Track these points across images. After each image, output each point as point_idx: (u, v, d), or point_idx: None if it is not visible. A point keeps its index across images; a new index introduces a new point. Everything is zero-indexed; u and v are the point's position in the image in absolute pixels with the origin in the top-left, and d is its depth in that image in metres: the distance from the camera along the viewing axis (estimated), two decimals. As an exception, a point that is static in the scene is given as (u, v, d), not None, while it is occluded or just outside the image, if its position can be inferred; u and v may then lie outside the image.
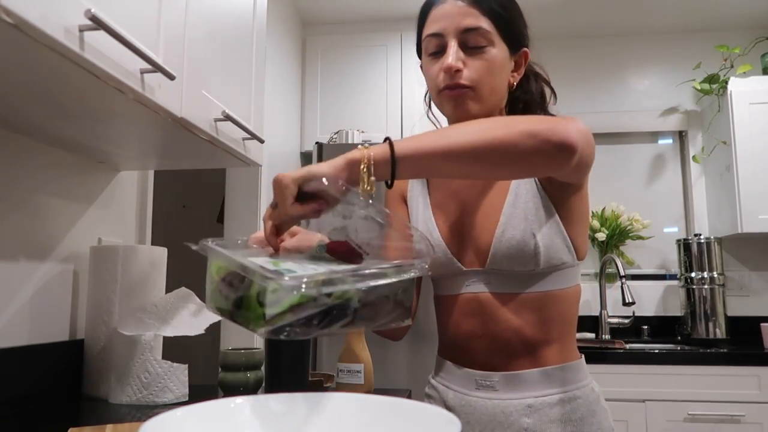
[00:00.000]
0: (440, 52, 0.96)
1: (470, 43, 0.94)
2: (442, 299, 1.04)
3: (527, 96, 1.05)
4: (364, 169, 0.70)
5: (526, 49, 1.01)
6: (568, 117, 0.82)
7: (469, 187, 1.02)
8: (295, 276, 0.56)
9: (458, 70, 0.93)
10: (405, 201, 1.12)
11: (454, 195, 1.03)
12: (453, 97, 0.95)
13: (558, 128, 0.77)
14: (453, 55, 0.94)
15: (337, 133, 2.79)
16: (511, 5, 0.99)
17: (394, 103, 2.95)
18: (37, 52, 0.73)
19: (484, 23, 0.94)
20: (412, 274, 0.67)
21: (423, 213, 1.06)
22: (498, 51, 0.96)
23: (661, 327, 2.99)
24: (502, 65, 0.97)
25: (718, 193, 2.96)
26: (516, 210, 0.94)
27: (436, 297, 1.06)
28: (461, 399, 0.97)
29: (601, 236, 3.00)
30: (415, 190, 1.10)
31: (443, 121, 1.08)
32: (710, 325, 2.74)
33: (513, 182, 0.97)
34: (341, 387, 1.20)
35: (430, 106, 1.09)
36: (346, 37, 3.05)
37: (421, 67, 1.05)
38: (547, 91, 1.07)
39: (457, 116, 0.97)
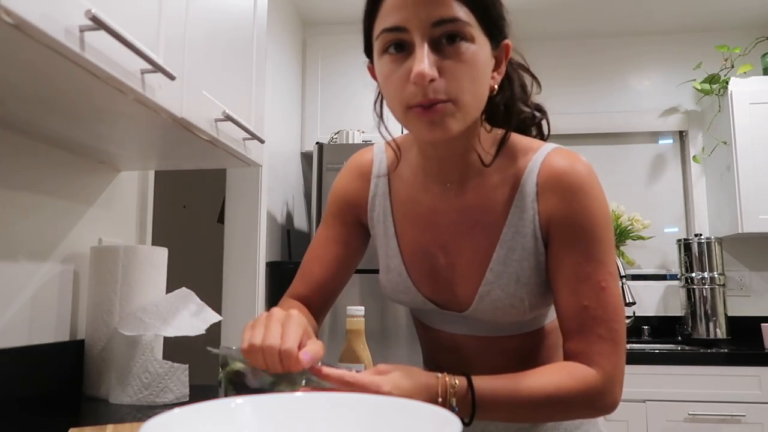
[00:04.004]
0: (403, 52, 0.73)
1: (445, 41, 0.71)
2: (418, 321, 0.98)
3: (508, 94, 0.83)
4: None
5: (508, 41, 0.79)
6: (617, 372, 0.78)
7: (448, 224, 0.86)
8: None
9: (432, 80, 0.70)
10: (356, 218, 0.96)
11: (425, 227, 0.88)
12: (429, 120, 0.72)
13: (614, 399, 0.78)
14: (426, 58, 0.69)
15: (337, 133, 2.80)
16: None
17: (395, 103, 2.95)
18: (37, 52, 0.73)
19: (462, 12, 0.71)
20: None
21: (386, 243, 0.91)
22: (479, 48, 0.73)
23: (662, 327, 2.99)
24: (485, 67, 0.75)
25: (719, 193, 2.96)
26: (507, 268, 0.81)
27: (413, 314, 0.99)
28: None
29: (602, 236, 3.00)
30: (377, 209, 0.93)
31: (396, 131, 0.89)
32: (711, 325, 2.74)
33: (506, 230, 0.82)
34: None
35: (381, 117, 0.86)
36: (346, 37, 3.05)
37: (370, 69, 0.83)
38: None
39: (432, 140, 0.75)
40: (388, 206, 0.91)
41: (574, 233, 0.79)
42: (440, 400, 0.71)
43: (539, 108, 0.89)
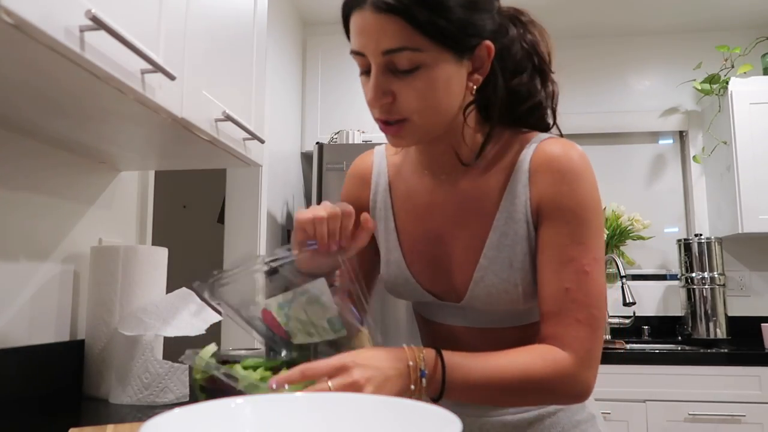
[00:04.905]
0: (369, 71, 0.78)
1: (398, 66, 0.75)
2: (418, 315, 0.99)
3: (491, 89, 0.83)
4: (414, 388, 0.71)
5: (487, 42, 0.79)
6: (591, 358, 0.78)
7: (444, 214, 0.88)
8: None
9: (385, 103, 0.77)
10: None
11: (423, 219, 0.90)
12: (389, 134, 0.81)
13: (586, 385, 0.78)
14: (373, 88, 0.76)
15: (337, 133, 2.80)
16: None
17: (395, 103, 2.95)
18: (37, 52, 0.73)
19: (409, 39, 0.73)
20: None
21: (386, 237, 0.94)
22: (436, 67, 0.75)
23: (662, 327, 2.99)
24: (447, 80, 0.77)
25: (719, 193, 2.96)
26: (500, 254, 0.83)
27: (413, 308, 1.00)
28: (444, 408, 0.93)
29: (602, 236, 3.00)
30: (378, 206, 0.96)
31: None
32: (711, 325, 2.74)
33: (499, 215, 0.83)
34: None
35: None
36: (346, 37, 3.05)
37: None
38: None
39: (397, 147, 0.89)
40: (388, 202, 0.94)
41: (561, 215, 0.79)
42: (411, 363, 0.71)
43: (554, 99, 0.89)
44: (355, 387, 0.65)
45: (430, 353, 0.74)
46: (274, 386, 0.66)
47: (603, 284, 0.80)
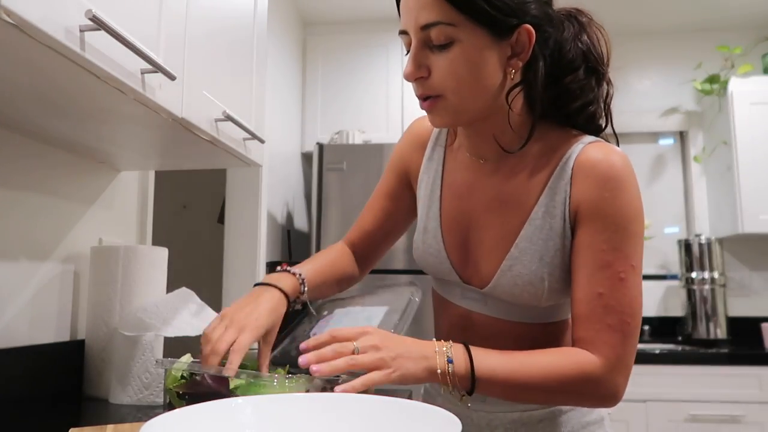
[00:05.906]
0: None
1: (433, 41, 0.78)
2: (438, 296, 1.00)
3: (531, 77, 0.82)
4: (450, 387, 0.75)
5: (527, 25, 0.78)
6: (621, 364, 0.80)
7: (481, 199, 0.90)
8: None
9: (419, 78, 0.80)
10: (407, 180, 1.02)
11: (461, 199, 0.92)
12: (425, 110, 0.83)
13: (614, 390, 0.80)
14: (409, 61, 0.80)
15: (338, 133, 2.80)
16: None
17: (395, 103, 2.96)
18: (37, 52, 0.73)
19: (444, 14, 0.75)
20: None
21: (429, 205, 0.96)
22: (467, 45, 0.77)
23: (662, 327, 2.99)
24: (478, 60, 0.78)
25: (719, 193, 2.96)
26: (532, 246, 0.83)
27: (433, 290, 1.01)
28: (450, 407, 0.94)
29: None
30: (428, 172, 0.98)
31: None
32: (711, 325, 2.75)
33: (537, 209, 0.84)
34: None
35: None
36: (346, 37, 3.05)
37: None
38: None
39: (434, 126, 0.89)
40: (439, 172, 0.96)
41: (600, 221, 0.80)
42: (437, 349, 0.75)
43: (607, 100, 0.88)
44: (374, 348, 0.72)
45: (457, 345, 0.77)
46: (303, 347, 0.74)
47: (638, 292, 0.80)
